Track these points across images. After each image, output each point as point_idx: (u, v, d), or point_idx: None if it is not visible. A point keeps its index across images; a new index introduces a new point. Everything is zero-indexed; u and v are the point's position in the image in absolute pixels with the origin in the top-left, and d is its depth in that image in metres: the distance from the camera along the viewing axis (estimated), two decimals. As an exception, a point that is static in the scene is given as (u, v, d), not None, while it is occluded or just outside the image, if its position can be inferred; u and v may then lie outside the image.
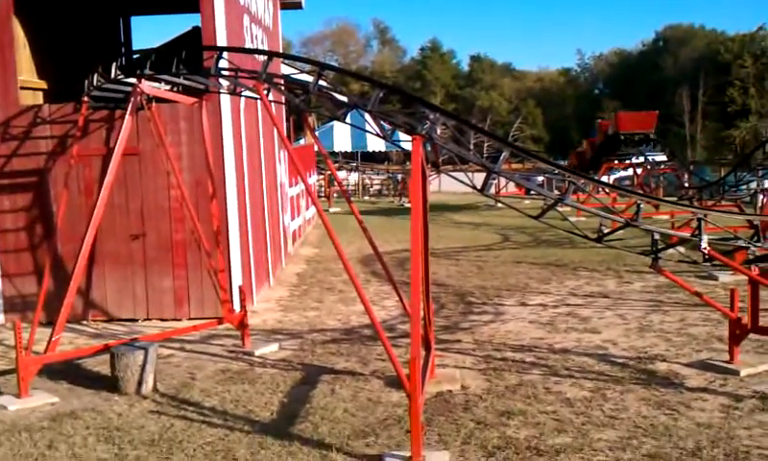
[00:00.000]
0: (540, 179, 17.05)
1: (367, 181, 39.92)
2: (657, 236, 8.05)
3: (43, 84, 12.89)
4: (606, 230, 8.32)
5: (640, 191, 22.00)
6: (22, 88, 11.80)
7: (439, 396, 7.80)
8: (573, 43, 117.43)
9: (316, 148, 23.49)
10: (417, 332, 6.41)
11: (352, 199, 16.07)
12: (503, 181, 19.34)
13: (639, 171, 28.63)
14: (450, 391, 7.94)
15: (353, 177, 39.35)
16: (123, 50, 17.47)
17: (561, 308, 11.89)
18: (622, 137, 26.97)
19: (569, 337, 10.14)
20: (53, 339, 8.40)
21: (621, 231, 8.12)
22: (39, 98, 12.68)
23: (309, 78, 8.17)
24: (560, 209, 7.87)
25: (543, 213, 7.95)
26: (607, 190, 23.05)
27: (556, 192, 9.59)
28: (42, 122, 11.51)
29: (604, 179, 26.56)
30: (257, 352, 9.63)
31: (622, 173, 33.85)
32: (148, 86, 9.65)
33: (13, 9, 11.38)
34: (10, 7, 11.32)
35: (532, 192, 10.01)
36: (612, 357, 9.14)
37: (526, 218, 8.47)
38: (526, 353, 9.39)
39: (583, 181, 11.68)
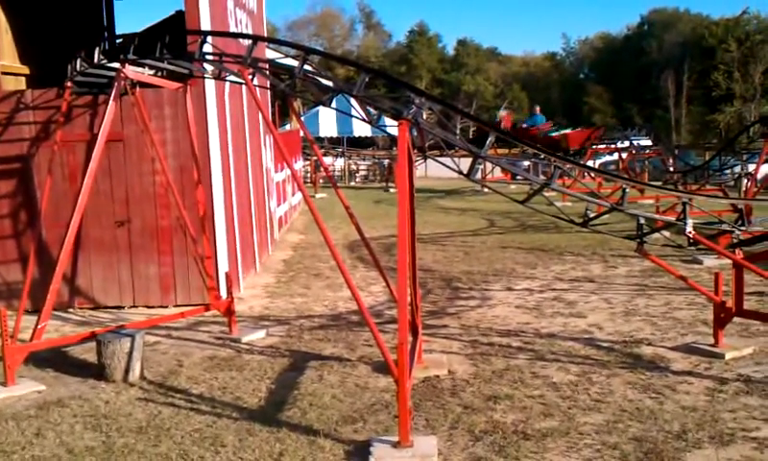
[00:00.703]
0: (526, 163, 17.06)
1: (353, 166, 39.82)
2: (642, 221, 8.07)
3: (26, 70, 12.77)
4: (591, 215, 8.35)
5: (626, 176, 22.11)
6: (4, 73, 11.71)
7: (426, 381, 7.83)
8: (559, 28, 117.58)
9: (302, 133, 23.41)
10: (404, 318, 6.41)
11: (339, 185, 16.02)
12: (489, 165, 19.37)
13: (625, 156, 28.73)
14: (437, 376, 7.97)
15: (339, 162, 39.23)
16: (106, 34, 17.31)
17: (547, 293, 11.94)
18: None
19: (555, 322, 10.19)
20: (39, 327, 8.35)
21: (607, 216, 8.12)
22: (22, 83, 12.57)
23: (294, 62, 8.10)
24: (546, 194, 7.89)
25: (529, 198, 7.96)
26: (592, 175, 23.12)
27: (542, 177, 9.58)
28: (25, 108, 11.39)
29: (590, 163, 26.66)
30: (245, 339, 9.62)
31: (608, 158, 33.94)
32: (132, 71, 9.56)
33: (-5, -7, 11.27)
34: (-9, -8, 11.21)
35: (518, 177, 10.02)
36: (597, 341, 9.19)
37: (512, 203, 8.47)
38: (513, 338, 9.43)
39: (569, 165, 11.71)
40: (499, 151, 27.37)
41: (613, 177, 12.81)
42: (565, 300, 11.42)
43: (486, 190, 24.90)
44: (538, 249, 15.98)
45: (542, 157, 8.94)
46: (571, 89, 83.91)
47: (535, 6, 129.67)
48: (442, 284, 12.80)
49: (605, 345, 9.04)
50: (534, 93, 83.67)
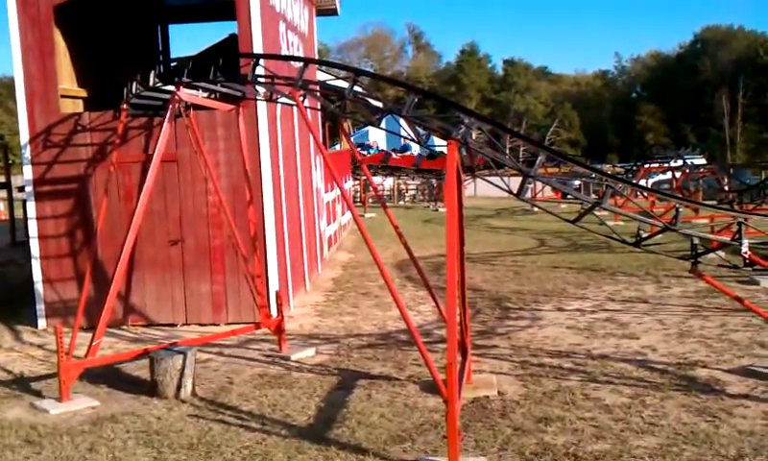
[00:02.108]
0: (577, 182, 16.90)
1: (402, 186, 39.89)
2: (696, 241, 7.93)
3: (83, 92, 13.08)
4: (644, 235, 8.22)
5: (679, 195, 21.74)
6: (63, 96, 12.01)
7: (476, 401, 7.77)
8: (610, 46, 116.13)
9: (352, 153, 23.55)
10: (453, 337, 6.39)
11: (388, 204, 16.08)
12: (539, 185, 19.23)
13: (678, 174, 28.26)
14: (487, 397, 7.91)
15: (389, 182, 39.34)
16: (161, 58, 17.70)
17: (599, 314, 11.77)
18: None
19: (608, 343, 10.04)
20: (93, 344, 8.52)
21: (660, 236, 7.99)
22: (80, 106, 12.87)
23: (345, 84, 8.18)
24: (597, 213, 7.80)
25: (580, 217, 7.88)
26: (645, 194, 22.78)
27: (593, 196, 9.49)
28: (83, 130, 11.70)
29: (642, 182, 26.29)
30: (294, 357, 9.68)
31: (661, 176, 33.44)
32: (186, 94, 9.76)
33: (54, 18, 11.59)
34: (50, 17, 11.54)
35: (569, 196, 9.93)
36: (651, 363, 9.02)
37: (563, 222, 8.41)
38: (564, 359, 9.31)
39: (620, 184, 11.57)
40: (550, 170, 27.17)
41: (667, 196, 12.56)
42: (618, 320, 11.24)
43: (536, 209, 24.71)
44: (589, 269, 15.79)
45: (594, 175, 8.86)
46: (623, 108, 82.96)
47: (585, 25, 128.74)
48: (491, 304, 12.72)
49: (659, 367, 8.87)
50: (584, 112, 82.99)
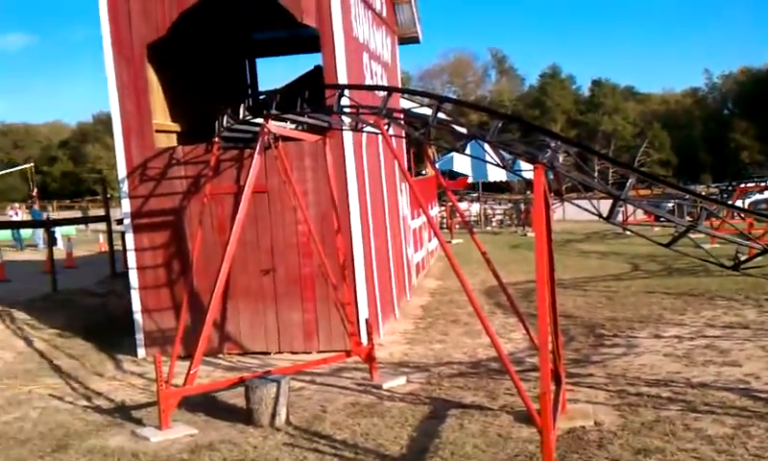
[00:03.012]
0: (670, 204, 16.41)
1: (489, 211, 39.64)
2: (802, 263, 7.60)
3: (176, 127, 13.52)
4: (743, 258, 7.95)
5: (779, 215, 20.88)
6: (157, 131, 12.43)
7: (571, 432, 7.60)
8: (699, 63, 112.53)
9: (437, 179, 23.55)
10: (546, 366, 6.28)
11: (475, 230, 16.00)
12: (630, 208, 18.74)
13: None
14: (583, 427, 7.72)
15: (475, 207, 39.17)
16: (250, 91, 18.18)
17: (697, 340, 11.36)
18: None
19: (708, 371, 9.67)
20: (191, 372, 8.73)
21: (760, 258, 7.68)
22: (173, 140, 13.29)
23: (428, 111, 8.21)
24: (692, 236, 7.57)
25: (675, 241, 7.67)
26: (742, 215, 21.99)
27: (687, 218, 9.21)
28: (177, 163, 12.08)
29: (738, 203, 25.40)
30: (385, 386, 9.69)
31: (758, 196, 32.22)
32: (274, 126, 9.97)
33: (147, 56, 12.04)
34: (143, 55, 11.99)
35: (662, 219, 9.67)
36: (755, 392, 8.64)
37: (656, 246, 8.18)
38: (662, 388, 9.01)
39: (716, 206, 11.19)
40: (641, 192, 26.53)
41: (765, 217, 12.13)
42: (718, 347, 10.82)
43: (628, 233, 24.15)
44: (686, 293, 15.28)
45: (687, 197, 8.61)
46: (715, 126, 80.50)
47: (673, 42, 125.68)
48: (584, 331, 12.44)
49: (763, 396, 8.48)
50: (674, 131, 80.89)
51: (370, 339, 10.11)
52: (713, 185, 41.77)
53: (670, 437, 7.33)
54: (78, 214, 52.26)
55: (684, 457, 6.81)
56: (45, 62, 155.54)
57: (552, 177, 7.58)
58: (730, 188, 29.16)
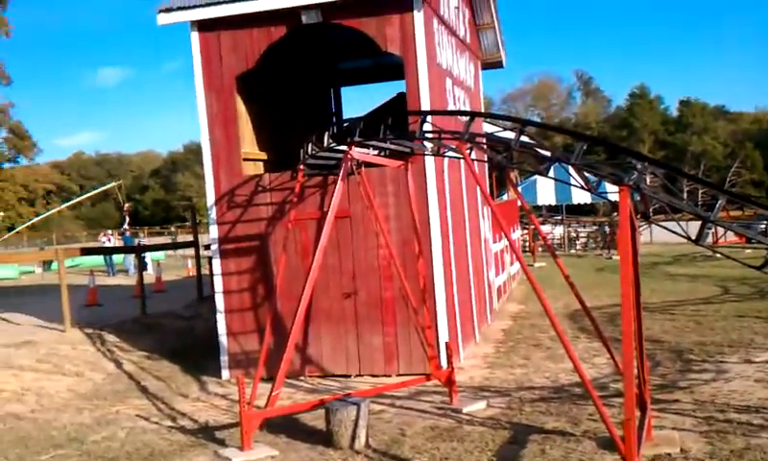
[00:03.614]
0: (762, 226, 15.82)
1: (573, 234, 39.05)
2: None
3: (263, 155, 13.86)
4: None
5: None
6: (245, 160, 12.78)
7: (656, 459, 7.41)
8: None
9: (519, 203, 23.39)
10: (631, 391, 6.17)
11: (558, 253, 15.82)
12: (721, 229, 18.16)
13: None
14: (669, 454, 7.52)
15: (558, 230, 38.65)
16: (334, 119, 18.49)
17: (792, 367, 10.93)
18: None
19: (803, 398, 9.29)
20: (273, 394, 8.89)
21: None
22: (260, 168, 13.63)
23: (511, 134, 8.21)
24: (786, 259, 7.32)
25: (767, 263, 7.43)
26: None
27: (781, 240, 8.88)
28: (263, 190, 12.39)
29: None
30: (465, 410, 9.65)
31: None
32: (357, 152, 10.13)
33: (236, 87, 12.42)
34: (232, 86, 12.38)
35: (753, 241, 9.37)
36: None
37: (748, 269, 7.94)
38: (753, 415, 8.70)
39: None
40: (732, 213, 25.69)
41: None
42: (815, 374, 10.38)
43: (718, 256, 23.40)
44: (779, 318, 14.71)
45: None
46: (811, 144, 77.34)
47: (764, 60, 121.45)
48: (671, 356, 12.12)
49: None
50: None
51: (450, 362, 10.10)
52: (810, 207, 40.00)
53: (762, 467, 7.08)
54: (167, 240, 53.90)
55: (777, 488, 6.56)
56: (138, 94, 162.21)
57: (638, 198, 7.47)
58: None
